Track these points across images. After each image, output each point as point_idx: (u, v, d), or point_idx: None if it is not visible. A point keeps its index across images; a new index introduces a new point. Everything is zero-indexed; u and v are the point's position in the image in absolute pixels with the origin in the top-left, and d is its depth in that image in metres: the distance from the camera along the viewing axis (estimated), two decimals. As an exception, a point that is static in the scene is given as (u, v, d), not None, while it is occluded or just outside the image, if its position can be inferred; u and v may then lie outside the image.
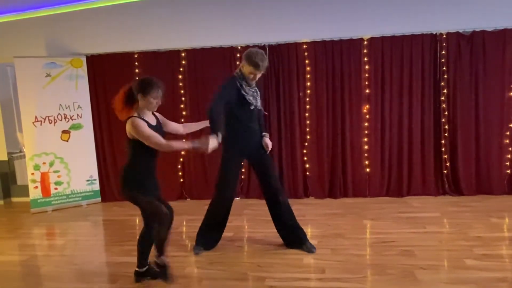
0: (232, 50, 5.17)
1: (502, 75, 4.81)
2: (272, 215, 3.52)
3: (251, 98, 3.26)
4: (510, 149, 4.91)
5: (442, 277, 2.86)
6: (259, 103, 3.37)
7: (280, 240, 3.61)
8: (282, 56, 5.09)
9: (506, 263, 3.06)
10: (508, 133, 4.89)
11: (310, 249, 3.41)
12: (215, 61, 5.19)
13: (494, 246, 3.36)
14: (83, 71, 5.34)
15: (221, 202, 3.46)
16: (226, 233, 3.68)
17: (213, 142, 2.86)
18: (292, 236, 3.50)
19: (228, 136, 3.18)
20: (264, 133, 3.48)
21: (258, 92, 3.36)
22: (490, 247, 3.34)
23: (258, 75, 3.24)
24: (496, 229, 3.79)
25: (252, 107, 3.29)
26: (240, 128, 3.30)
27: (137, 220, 4.63)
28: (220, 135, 2.96)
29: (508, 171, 4.94)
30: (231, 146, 3.33)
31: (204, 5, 5.16)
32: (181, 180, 5.47)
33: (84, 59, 5.35)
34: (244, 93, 3.22)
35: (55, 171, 5.26)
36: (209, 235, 3.56)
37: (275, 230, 3.54)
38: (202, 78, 5.24)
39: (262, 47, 5.11)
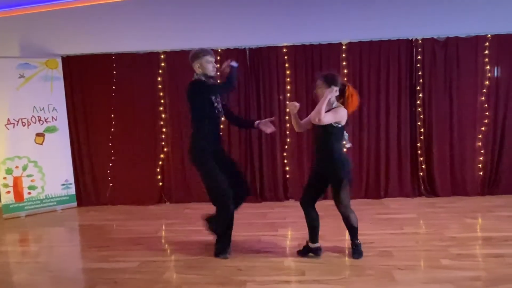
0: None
1: (475, 80, 4.97)
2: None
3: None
4: (483, 151, 5.07)
5: (419, 277, 2.91)
6: None
7: (260, 244, 3.61)
8: (262, 59, 5.11)
9: (479, 262, 3.15)
10: (480, 136, 5.05)
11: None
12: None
13: (468, 246, 3.45)
14: (58, 72, 5.21)
15: None
16: (207, 237, 3.64)
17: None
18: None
19: None
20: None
21: None
22: (464, 247, 3.43)
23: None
24: (470, 229, 3.90)
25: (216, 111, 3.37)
26: None
27: (114, 225, 4.54)
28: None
29: (481, 173, 5.09)
30: None
31: (184, 7, 5.12)
32: (160, 183, 5.40)
33: (59, 60, 5.21)
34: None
35: (28, 175, 5.09)
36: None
37: (256, 234, 3.52)
38: (182, 80, 5.18)
39: (242, 50, 5.13)
